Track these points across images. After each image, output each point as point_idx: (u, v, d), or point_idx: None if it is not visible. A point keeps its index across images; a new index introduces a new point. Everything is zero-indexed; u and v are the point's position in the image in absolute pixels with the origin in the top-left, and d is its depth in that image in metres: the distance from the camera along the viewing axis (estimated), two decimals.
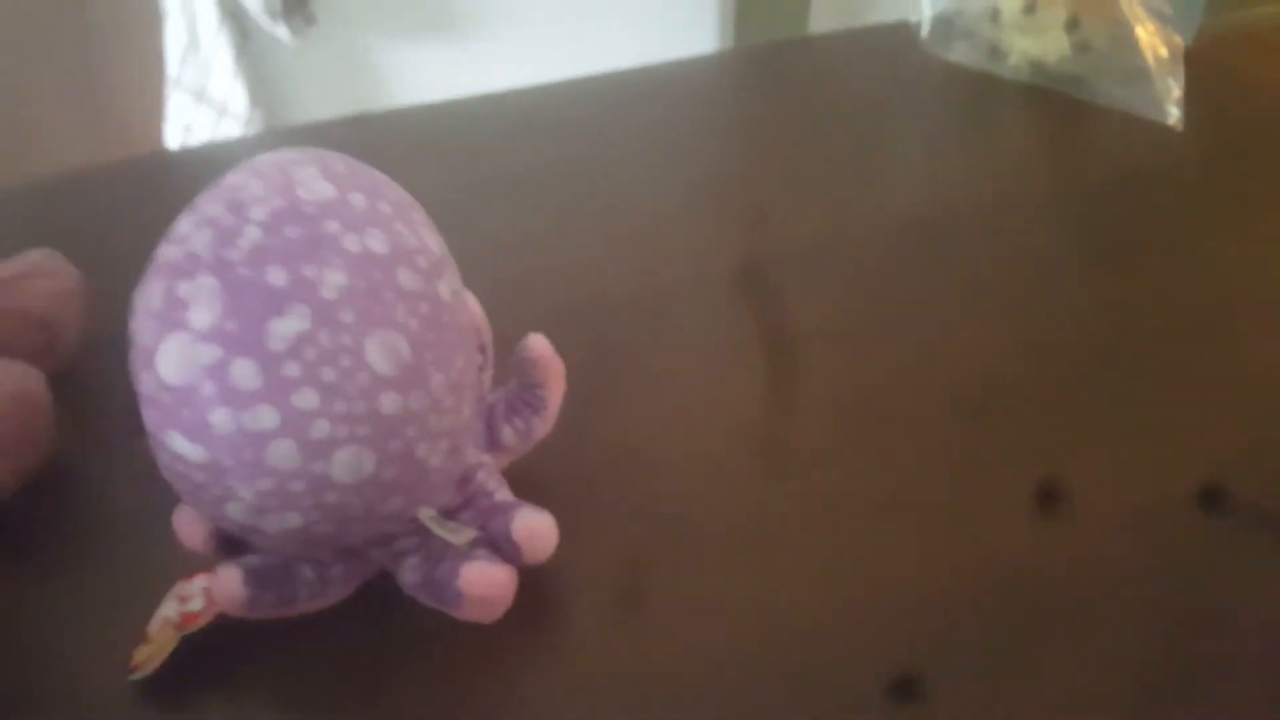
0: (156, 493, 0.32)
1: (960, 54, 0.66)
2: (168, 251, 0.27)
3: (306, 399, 0.25)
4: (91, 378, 0.41)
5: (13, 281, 0.41)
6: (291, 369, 0.25)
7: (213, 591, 0.28)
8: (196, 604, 0.29)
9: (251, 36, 1.49)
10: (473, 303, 0.32)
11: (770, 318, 0.44)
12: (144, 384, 0.26)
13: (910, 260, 0.48)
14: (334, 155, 0.29)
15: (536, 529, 0.30)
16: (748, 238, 0.50)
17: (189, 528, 0.30)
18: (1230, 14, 0.73)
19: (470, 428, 0.30)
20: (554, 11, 1.45)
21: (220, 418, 0.25)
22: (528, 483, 0.33)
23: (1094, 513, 0.35)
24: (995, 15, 0.65)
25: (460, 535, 0.29)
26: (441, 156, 0.56)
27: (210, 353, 0.25)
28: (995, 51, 0.65)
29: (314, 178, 0.27)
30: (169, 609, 0.30)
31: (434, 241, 0.29)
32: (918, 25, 0.68)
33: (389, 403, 0.26)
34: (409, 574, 0.30)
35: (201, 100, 1.51)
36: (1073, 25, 0.64)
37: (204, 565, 0.31)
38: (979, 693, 0.29)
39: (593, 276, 0.47)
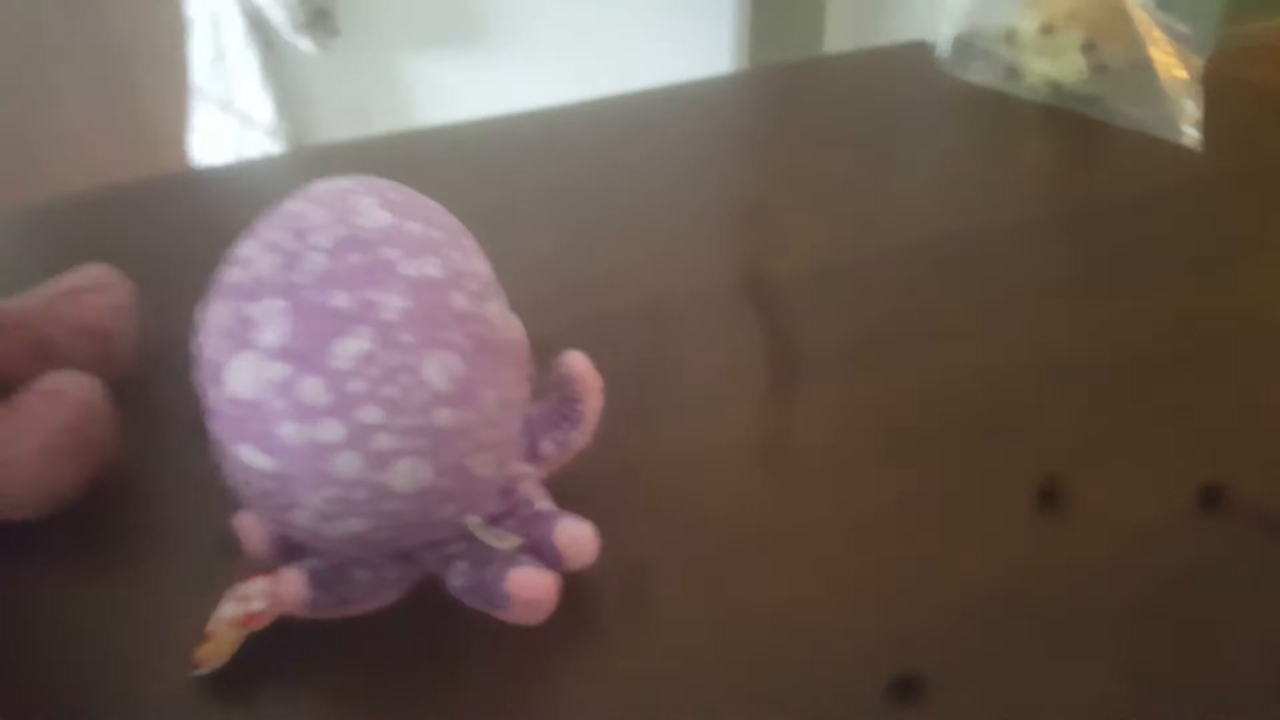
0: (209, 497, 0.34)
1: (977, 74, 0.68)
2: (233, 274, 0.29)
3: (369, 414, 0.27)
4: (146, 387, 0.43)
5: (72, 295, 0.43)
6: (356, 386, 0.27)
7: (277, 593, 0.30)
8: (258, 604, 0.31)
9: (276, 48, 1.52)
10: (515, 322, 0.34)
11: (788, 333, 0.46)
12: (213, 397, 0.28)
13: (926, 277, 0.49)
14: (387, 184, 0.31)
15: (578, 536, 0.32)
16: (767, 254, 0.51)
17: (250, 532, 0.32)
18: (1249, 24, 0.74)
19: (515, 440, 0.32)
20: (573, 26, 1.47)
21: (289, 431, 0.27)
22: (558, 492, 0.35)
23: (1096, 519, 0.36)
24: (1012, 37, 0.67)
25: (505, 542, 0.31)
26: (468, 174, 0.58)
27: (280, 370, 0.27)
28: (1012, 72, 0.67)
29: (372, 206, 0.29)
30: (229, 609, 0.32)
31: (482, 265, 0.31)
32: (934, 45, 0.69)
33: (444, 418, 0.28)
34: (457, 578, 0.32)
35: (227, 110, 1.54)
36: (1089, 47, 0.65)
37: (258, 568, 0.32)
38: (979, 693, 0.31)
39: (614, 291, 0.48)
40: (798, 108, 0.68)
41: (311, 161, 0.67)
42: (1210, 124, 0.60)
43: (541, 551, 0.32)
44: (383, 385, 0.27)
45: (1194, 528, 0.36)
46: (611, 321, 0.46)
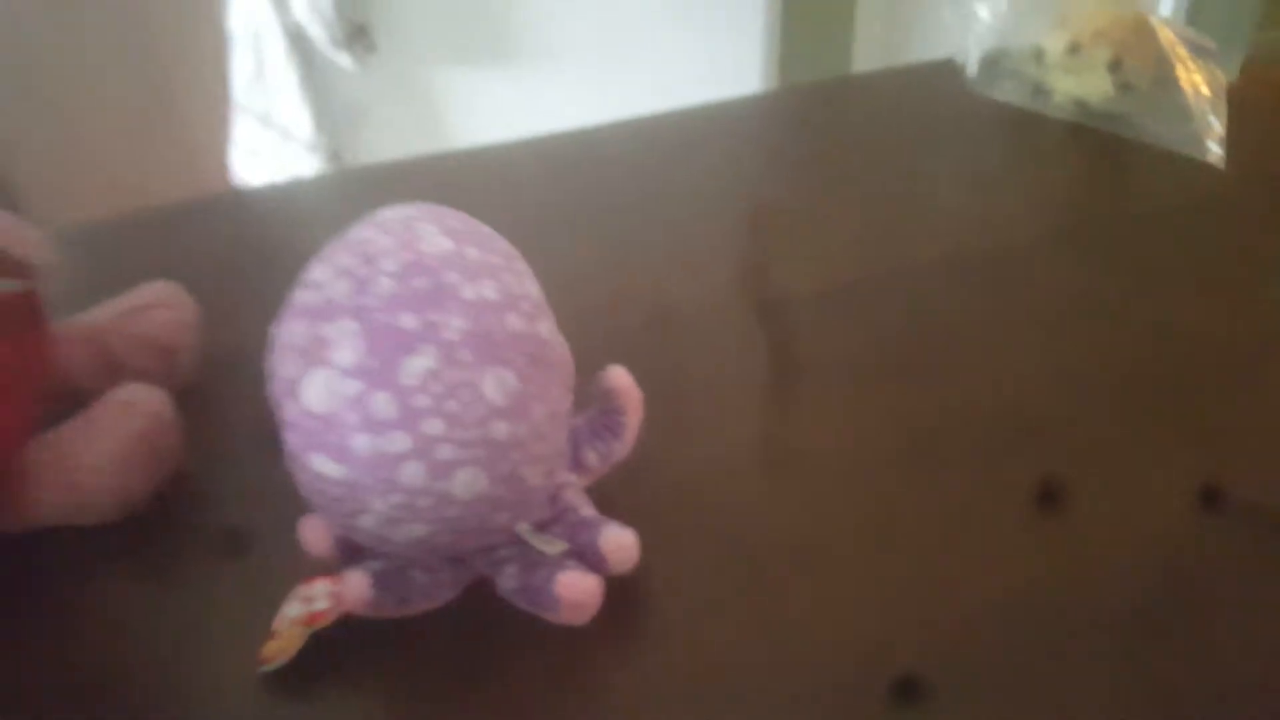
0: (270, 503, 0.36)
1: (1005, 93, 0.69)
2: (306, 296, 0.31)
3: (433, 426, 0.29)
4: (207, 397, 0.45)
5: (140, 311, 0.46)
6: (421, 401, 0.29)
7: (341, 593, 0.32)
8: (322, 604, 0.33)
9: (315, 64, 1.56)
10: (562, 340, 0.36)
11: (817, 345, 0.47)
12: (288, 411, 0.30)
13: (952, 291, 0.51)
14: (447, 211, 0.33)
15: (623, 542, 0.34)
16: (799, 269, 0.53)
17: (315, 535, 0.34)
18: (1277, 34, 0.75)
19: (562, 451, 0.34)
20: (605, 44, 1.50)
21: (360, 442, 0.29)
22: (599, 499, 0.37)
23: (1099, 523, 0.37)
24: (1040, 56, 0.68)
25: (553, 547, 0.33)
26: (509, 192, 0.60)
27: (353, 386, 0.29)
28: (1039, 91, 0.68)
29: (434, 233, 0.31)
30: (294, 608, 0.34)
31: (534, 287, 0.33)
32: (962, 64, 0.70)
33: (500, 430, 0.30)
34: (508, 580, 0.34)
35: (267, 125, 1.58)
36: (1115, 66, 0.66)
37: (319, 570, 0.34)
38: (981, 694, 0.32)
39: (649, 306, 0.50)
40: (827, 126, 0.69)
41: (351, 183, 0.70)
42: (1237, 140, 0.60)
43: (586, 556, 0.34)
44: (445, 400, 0.29)
45: (1198, 529, 0.37)
46: (646, 335, 0.48)
